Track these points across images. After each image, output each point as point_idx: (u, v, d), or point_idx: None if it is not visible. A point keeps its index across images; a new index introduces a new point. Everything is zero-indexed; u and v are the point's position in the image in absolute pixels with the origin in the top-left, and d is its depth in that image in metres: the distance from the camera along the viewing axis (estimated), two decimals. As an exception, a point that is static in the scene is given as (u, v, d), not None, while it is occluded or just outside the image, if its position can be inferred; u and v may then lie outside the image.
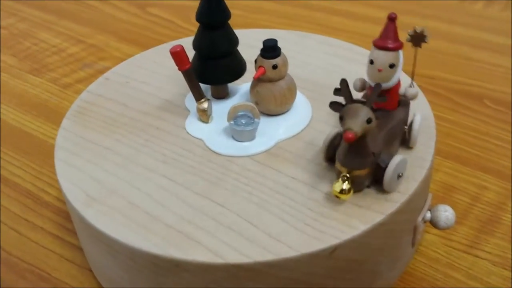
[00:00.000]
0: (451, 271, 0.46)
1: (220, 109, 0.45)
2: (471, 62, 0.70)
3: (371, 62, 0.37)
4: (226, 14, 0.42)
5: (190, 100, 0.47)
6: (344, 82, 0.34)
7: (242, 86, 0.47)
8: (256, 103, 0.43)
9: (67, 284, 0.46)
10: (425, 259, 0.47)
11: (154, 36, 0.79)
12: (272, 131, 0.42)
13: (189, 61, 0.41)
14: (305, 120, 0.44)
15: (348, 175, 0.36)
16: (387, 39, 0.37)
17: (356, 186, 0.37)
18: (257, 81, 0.42)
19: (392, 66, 0.37)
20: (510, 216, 0.50)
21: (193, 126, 0.44)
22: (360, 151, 0.35)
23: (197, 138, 0.43)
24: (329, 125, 0.44)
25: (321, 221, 0.36)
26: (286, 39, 0.54)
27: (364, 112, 0.33)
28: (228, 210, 0.37)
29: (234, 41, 0.43)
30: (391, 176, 0.36)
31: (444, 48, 0.73)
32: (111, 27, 0.81)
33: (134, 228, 0.36)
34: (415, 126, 0.40)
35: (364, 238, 0.36)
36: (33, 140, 0.61)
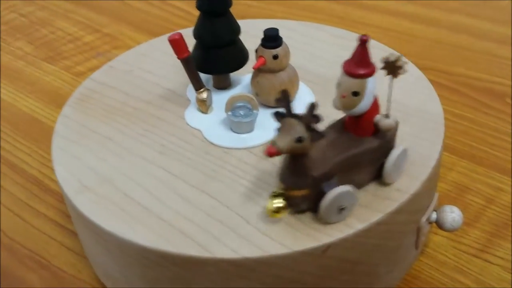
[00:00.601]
0: (459, 276, 0.44)
1: (221, 100, 0.43)
2: (495, 58, 0.67)
3: (338, 85, 0.34)
4: (227, 1, 0.40)
5: (191, 90, 0.45)
6: (284, 93, 0.31)
7: (245, 77, 0.46)
8: (257, 94, 0.41)
9: (65, 272, 0.46)
10: (432, 262, 0.45)
11: (171, 27, 0.78)
12: (272, 124, 0.41)
13: (188, 49, 0.40)
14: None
15: (280, 192, 0.34)
16: (355, 64, 0.33)
17: (292, 206, 0.34)
18: (258, 71, 0.41)
19: (355, 94, 0.33)
20: (525, 220, 0.48)
21: (193, 116, 0.43)
22: (297, 170, 0.33)
23: (196, 129, 0.42)
24: (330, 118, 0.42)
25: (315, 218, 0.34)
26: (296, 30, 0.53)
27: (296, 130, 0.31)
28: (221, 203, 0.36)
29: (236, 29, 0.41)
30: (327, 206, 0.33)
31: (468, 43, 0.70)
32: (129, 17, 0.81)
33: (124, 218, 0.36)
34: (389, 161, 0.35)
35: (359, 237, 0.34)
36: (43, 127, 0.61)
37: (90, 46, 0.75)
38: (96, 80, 0.49)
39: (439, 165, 0.40)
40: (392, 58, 0.32)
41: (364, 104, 0.34)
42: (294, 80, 0.41)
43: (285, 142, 0.31)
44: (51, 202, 0.52)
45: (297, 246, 0.33)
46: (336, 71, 0.47)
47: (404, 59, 0.32)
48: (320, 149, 0.34)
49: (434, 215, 0.40)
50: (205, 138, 0.41)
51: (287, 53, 0.40)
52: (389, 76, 0.33)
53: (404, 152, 0.36)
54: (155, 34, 0.76)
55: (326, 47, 0.51)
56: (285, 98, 0.31)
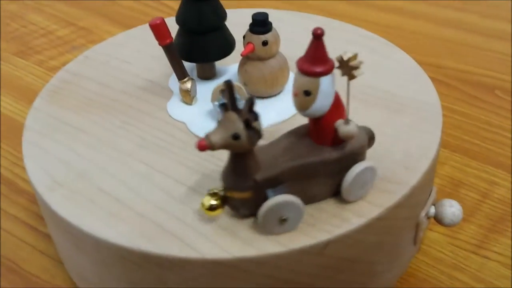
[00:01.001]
0: (456, 273, 0.42)
1: (206, 90, 0.41)
2: (483, 51, 0.66)
3: (294, 82, 0.30)
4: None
5: (174, 81, 0.43)
6: (228, 84, 0.28)
7: (230, 66, 0.43)
8: (245, 84, 0.39)
9: (38, 278, 0.43)
10: (429, 259, 0.43)
11: (148, 19, 0.75)
12: (262, 115, 0.38)
13: (170, 35, 0.37)
14: (298, 103, 0.40)
15: (217, 191, 0.31)
16: (308, 61, 0.29)
17: (232, 209, 0.32)
18: (246, 59, 0.38)
19: (307, 93, 0.29)
20: (522, 214, 0.46)
21: (176, 108, 0.40)
22: (238, 170, 0.30)
23: (179, 121, 0.39)
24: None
25: (311, 213, 0.32)
26: (283, 20, 0.50)
27: (233, 126, 0.28)
28: (208, 199, 0.33)
29: (222, 14, 0.39)
30: (264, 214, 0.30)
31: (455, 37, 0.69)
32: (104, 10, 0.78)
33: (101, 216, 0.33)
34: (348, 177, 0.31)
35: (359, 233, 0.32)
36: (13, 124, 0.58)
37: (64, 40, 0.71)
38: (70, 71, 0.45)
39: (437, 157, 0.37)
40: (346, 57, 0.28)
41: (317, 106, 0.30)
42: (284, 68, 0.38)
43: (219, 137, 0.28)
44: (23, 204, 0.49)
45: (294, 244, 0.30)
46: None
47: (360, 58, 0.29)
48: (273, 152, 0.31)
49: (432, 210, 0.38)
50: (189, 130, 0.38)
51: (277, 39, 0.37)
52: (346, 77, 0.29)
53: (371, 170, 0.32)
54: (131, 27, 0.73)
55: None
56: (229, 90, 0.28)
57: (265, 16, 0.37)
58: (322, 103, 0.30)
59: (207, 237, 0.31)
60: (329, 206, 0.32)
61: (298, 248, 0.30)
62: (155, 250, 0.30)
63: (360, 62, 0.29)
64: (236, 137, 0.28)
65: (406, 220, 0.35)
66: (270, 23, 0.37)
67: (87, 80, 0.44)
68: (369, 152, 0.35)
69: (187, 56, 0.39)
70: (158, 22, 0.36)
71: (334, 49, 0.47)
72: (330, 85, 0.29)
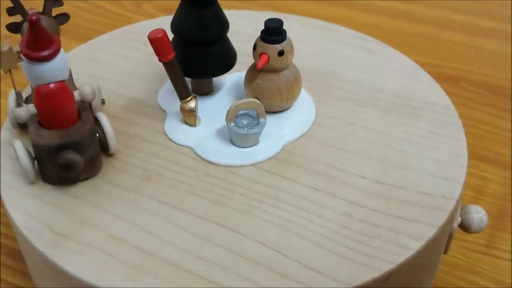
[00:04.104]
0: (474, 277, 0.41)
1: (205, 108, 0.36)
2: (441, 43, 0.66)
3: None
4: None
5: (164, 98, 0.38)
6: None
7: (226, 79, 0.39)
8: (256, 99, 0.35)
9: None
10: (444, 266, 0.42)
11: (84, 24, 0.67)
12: (276, 132, 0.35)
13: (172, 50, 0.32)
14: (310, 116, 0.36)
15: None
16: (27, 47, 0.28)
17: None
18: (256, 71, 0.34)
19: None
20: (519, 208, 0.46)
21: (175, 131, 0.35)
22: None
23: (184, 146, 0.34)
24: (338, 119, 0.37)
25: (364, 241, 0.29)
26: (260, 21, 0.46)
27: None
28: (244, 236, 0.29)
29: (226, 22, 0.34)
30: None
31: (409, 28, 0.69)
32: None
33: (125, 271, 0.27)
34: (108, 130, 0.32)
35: (417, 258, 0.29)
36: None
37: None
38: (35, 93, 0.39)
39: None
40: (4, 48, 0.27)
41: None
42: (298, 78, 0.35)
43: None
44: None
45: (355, 280, 0.27)
46: (323, 64, 0.42)
47: (16, 48, 0.28)
48: None
49: (459, 218, 0.37)
50: (199, 156, 0.34)
51: (292, 48, 0.34)
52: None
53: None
54: (68, 34, 0.65)
55: (301, 38, 0.45)
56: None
57: (279, 23, 0.33)
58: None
59: (252, 280, 0.27)
60: (383, 230, 0.29)
61: (360, 284, 0.27)
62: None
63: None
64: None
65: (447, 233, 0.33)
66: (285, 31, 0.33)
67: (58, 104, 0.38)
68: (403, 164, 0.32)
69: (184, 71, 0.34)
70: (159, 35, 0.31)
71: (329, 51, 0.44)
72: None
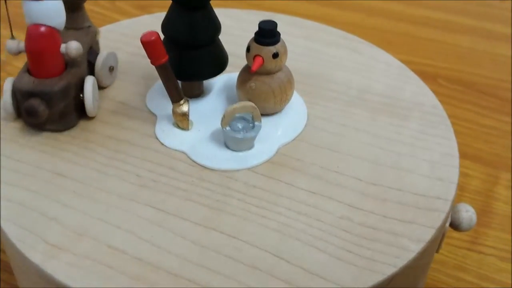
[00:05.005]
0: (461, 274, 0.42)
1: (196, 110, 0.36)
2: (417, 40, 0.67)
3: None
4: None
5: (153, 101, 0.37)
6: None
7: (216, 80, 0.38)
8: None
9: None
10: (433, 263, 0.42)
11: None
12: (270, 135, 0.34)
13: (165, 52, 0.31)
14: (302, 118, 0.36)
15: None
16: None
17: None
18: (249, 74, 0.34)
19: None
20: (501, 204, 0.47)
21: (167, 135, 0.34)
22: None
23: (177, 150, 0.34)
24: (329, 121, 0.37)
25: (365, 245, 0.29)
26: (245, 20, 0.46)
27: None
28: (245, 242, 0.29)
29: (218, 25, 0.34)
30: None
31: (386, 26, 0.69)
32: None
33: (125, 282, 0.27)
34: (87, 93, 0.34)
35: (417, 260, 0.29)
36: None
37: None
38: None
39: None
40: None
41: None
42: (292, 81, 0.34)
43: None
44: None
45: (359, 284, 0.27)
46: (312, 65, 0.42)
47: None
48: None
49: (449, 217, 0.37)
50: (193, 160, 0.33)
51: (286, 50, 0.33)
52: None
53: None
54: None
55: (287, 38, 0.44)
56: None
57: (274, 24, 0.32)
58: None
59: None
60: (382, 233, 0.29)
61: None
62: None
63: None
64: None
65: (442, 233, 0.34)
66: (279, 32, 0.33)
67: (43, 108, 0.37)
68: (396, 165, 0.33)
69: (175, 73, 0.34)
70: (152, 38, 0.30)
71: (316, 51, 0.44)
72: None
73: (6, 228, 0.29)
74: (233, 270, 0.28)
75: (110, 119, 0.36)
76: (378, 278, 0.27)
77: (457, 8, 0.72)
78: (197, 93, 0.37)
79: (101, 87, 0.38)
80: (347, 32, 0.46)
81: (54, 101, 0.32)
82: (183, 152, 0.34)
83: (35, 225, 0.29)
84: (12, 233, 0.29)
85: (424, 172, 0.33)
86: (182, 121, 0.34)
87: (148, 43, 0.30)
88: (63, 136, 0.34)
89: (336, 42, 0.44)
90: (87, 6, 0.37)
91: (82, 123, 0.35)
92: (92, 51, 0.37)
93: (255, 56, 0.32)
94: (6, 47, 0.33)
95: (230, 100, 0.37)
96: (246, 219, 0.30)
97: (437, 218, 0.31)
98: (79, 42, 0.33)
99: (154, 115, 0.36)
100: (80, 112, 0.35)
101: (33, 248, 0.28)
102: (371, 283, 0.27)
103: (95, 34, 0.37)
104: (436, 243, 0.32)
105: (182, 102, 0.33)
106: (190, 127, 0.34)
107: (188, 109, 0.34)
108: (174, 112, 0.34)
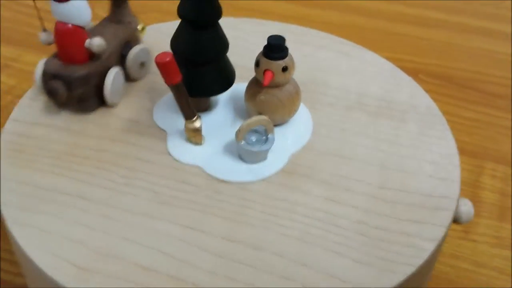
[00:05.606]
0: (457, 262, 0.44)
1: (205, 124, 0.36)
2: (395, 36, 0.69)
3: None
4: (219, 10, 0.33)
5: (161, 117, 0.38)
6: None
7: (220, 95, 0.39)
8: (259, 114, 0.35)
9: None
10: (431, 255, 0.44)
11: (35, 32, 0.65)
12: (280, 145, 0.36)
13: (179, 72, 0.32)
14: (308, 126, 0.38)
15: None
16: None
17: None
18: (258, 86, 0.35)
19: None
20: (487, 193, 0.50)
21: (181, 150, 0.35)
22: None
23: (192, 165, 0.34)
24: (331, 126, 0.38)
25: (383, 247, 0.31)
26: (242, 29, 0.47)
27: None
28: (267, 252, 0.30)
29: (225, 43, 0.35)
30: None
31: (363, 23, 0.71)
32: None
33: (162, 301, 0.28)
34: (107, 83, 0.37)
35: (431, 258, 0.31)
36: None
37: None
38: (22, 120, 0.37)
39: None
40: None
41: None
42: (299, 92, 0.36)
43: None
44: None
45: (382, 284, 0.29)
46: (308, 71, 0.43)
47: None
48: None
49: (448, 211, 0.39)
50: (209, 174, 0.34)
51: (293, 63, 0.34)
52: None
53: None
54: (21, 43, 0.63)
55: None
56: None
57: (282, 40, 0.33)
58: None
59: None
60: (397, 235, 0.31)
61: (387, 288, 0.29)
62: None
63: None
64: None
65: (446, 230, 0.36)
66: (287, 47, 0.34)
67: (50, 129, 0.37)
68: (401, 167, 0.34)
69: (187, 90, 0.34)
70: (168, 59, 0.31)
71: (307, 56, 0.45)
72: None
73: (33, 255, 0.29)
74: (260, 280, 0.29)
75: (120, 137, 0.36)
76: (399, 278, 0.29)
77: (430, 3, 0.74)
78: (204, 108, 0.37)
79: (131, 80, 0.40)
80: (325, 30, 0.47)
81: (74, 85, 0.36)
82: (198, 167, 0.34)
83: (60, 248, 0.30)
84: (40, 260, 0.29)
85: (427, 172, 0.35)
86: (195, 136, 0.35)
87: (163, 64, 0.31)
88: (73, 157, 0.35)
89: (327, 46, 0.46)
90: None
91: (93, 143, 0.36)
92: (127, 45, 0.39)
93: (265, 70, 0.33)
94: (40, 38, 0.37)
95: (238, 112, 0.38)
96: (267, 229, 0.31)
97: (446, 217, 0.32)
98: (115, 35, 0.38)
99: (163, 130, 0.37)
100: (101, 99, 0.38)
101: (62, 272, 0.29)
102: (394, 283, 0.29)
103: (135, 29, 0.40)
104: (444, 240, 0.34)
105: (195, 118, 0.34)
106: (203, 142, 0.35)
107: (201, 125, 0.34)
108: (186, 128, 0.34)
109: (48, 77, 0.36)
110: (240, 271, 0.29)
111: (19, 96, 0.52)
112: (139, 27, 0.40)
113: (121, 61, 0.39)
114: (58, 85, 0.35)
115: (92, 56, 0.36)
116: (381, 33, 0.69)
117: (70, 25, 0.35)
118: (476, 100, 0.60)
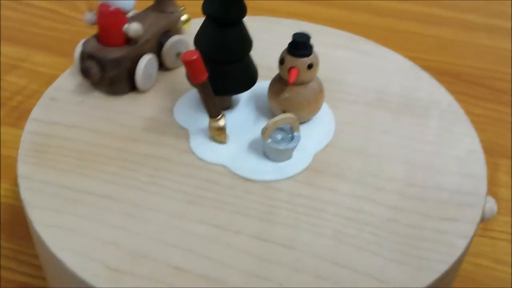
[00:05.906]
0: (478, 259, 0.44)
1: (229, 122, 0.36)
2: (400, 33, 0.69)
3: None
4: (244, 8, 0.33)
5: (182, 115, 0.37)
6: None
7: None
8: (283, 111, 0.35)
9: None
10: (450, 252, 0.44)
11: (41, 32, 0.64)
12: (304, 143, 0.35)
13: (206, 71, 0.32)
14: (330, 124, 0.37)
15: None
16: None
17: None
18: (282, 84, 0.34)
19: None
20: (503, 190, 0.50)
21: (204, 149, 0.35)
22: None
23: (217, 164, 0.34)
24: (354, 124, 0.38)
25: (415, 245, 0.30)
26: (255, 29, 0.46)
27: None
28: (301, 251, 0.30)
29: (249, 42, 0.34)
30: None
31: (369, 21, 0.71)
32: (16, 36, 0.64)
33: (198, 302, 0.27)
34: (139, 68, 0.38)
35: (463, 256, 0.31)
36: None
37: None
38: (42, 120, 0.37)
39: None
40: None
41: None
42: (322, 89, 0.35)
43: None
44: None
45: (420, 283, 0.28)
46: (326, 69, 0.42)
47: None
48: None
49: (471, 208, 0.39)
50: (235, 173, 0.33)
51: (318, 61, 0.34)
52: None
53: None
54: (26, 43, 0.62)
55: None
56: None
57: (307, 37, 0.33)
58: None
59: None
60: (429, 232, 0.31)
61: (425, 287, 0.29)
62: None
63: None
64: None
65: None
66: (311, 44, 0.34)
67: (71, 129, 0.36)
68: (426, 164, 0.34)
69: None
70: (194, 58, 0.30)
71: (326, 56, 0.44)
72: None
73: (62, 256, 0.29)
74: (293, 280, 0.28)
75: (142, 136, 0.36)
76: (434, 276, 0.29)
77: (436, 1, 0.74)
78: (227, 106, 0.37)
79: (166, 69, 0.41)
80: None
81: (107, 67, 0.37)
82: (223, 166, 0.34)
83: (91, 249, 0.29)
84: (71, 263, 0.29)
85: (454, 169, 0.35)
86: (220, 135, 0.34)
87: (190, 63, 0.31)
88: (97, 157, 0.34)
89: (342, 44, 0.45)
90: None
91: (114, 143, 0.35)
92: (166, 34, 0.40)
93: (290, 68, 0.33)
94: (85, 18, 0.38)
95: (260, 110, 0.37)
96: (299, 228, 0.31)
97: (476, 214, 0.32)
98: (155, 23, 0.39)
99: (185, 129, 0.36)
100: (132, 83, 0.38)
101: (94, 274, 0.28)
102: (429, 281, 0.29)
103: (177, 20, 0.41)
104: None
105: (220, 117, 0.34)
106: (226, 140, 0.35)
107: (225, 123, 0.34)
108: (210, 126, 0.34)
109: (84, 56, 0.37)
110: (273, 270, 0.29)
111: (30, 97, 0.52)
112: (183, 18, 0.41)
113: (159, 49, 0.40)
114: (92, 65, 0.36)
115: (128, 40, 0.37)
116: (387, 30, 0.69)
117: (112, 8, 0.36)
118: (485, 96, 0.60)
